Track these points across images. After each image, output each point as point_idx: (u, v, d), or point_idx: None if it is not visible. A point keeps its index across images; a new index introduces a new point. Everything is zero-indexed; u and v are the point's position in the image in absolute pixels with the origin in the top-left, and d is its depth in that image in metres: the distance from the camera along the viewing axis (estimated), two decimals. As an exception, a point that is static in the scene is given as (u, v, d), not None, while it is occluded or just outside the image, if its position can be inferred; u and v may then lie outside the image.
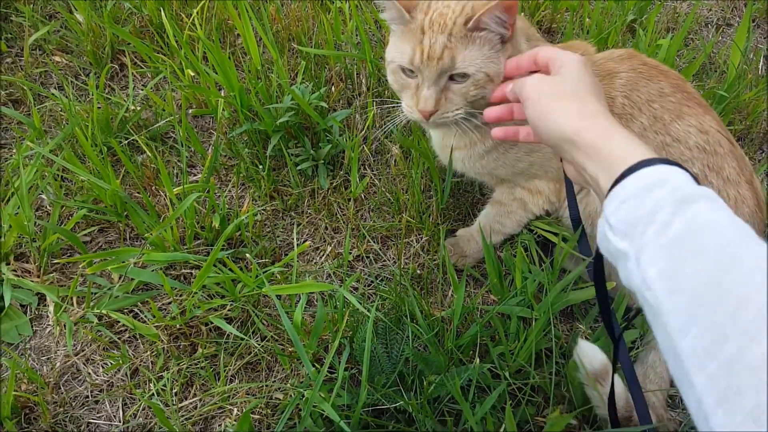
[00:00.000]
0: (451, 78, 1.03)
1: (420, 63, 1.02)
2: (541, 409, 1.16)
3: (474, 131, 1.14)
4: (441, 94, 1.04)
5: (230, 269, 1.25)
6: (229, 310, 1.29)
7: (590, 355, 1.05)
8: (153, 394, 1.20)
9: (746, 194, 1.15)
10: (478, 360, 1.08)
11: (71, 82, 1.78)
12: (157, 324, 1.26)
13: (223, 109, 1.59)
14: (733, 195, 1.14)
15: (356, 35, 1.77)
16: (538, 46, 1.12)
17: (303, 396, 1.07)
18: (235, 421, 1.15)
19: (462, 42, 1.01)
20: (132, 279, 1.30)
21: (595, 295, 1.20)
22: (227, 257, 1.25)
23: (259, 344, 1.24)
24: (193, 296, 1.23)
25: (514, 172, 1.26)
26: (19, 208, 1.35)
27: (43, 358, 1.27)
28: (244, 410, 1.12)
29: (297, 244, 1.40)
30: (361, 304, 1.17)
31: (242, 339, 1.24)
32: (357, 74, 1.75)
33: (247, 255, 1.31)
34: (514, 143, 1.20)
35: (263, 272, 1.26)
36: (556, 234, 1.28)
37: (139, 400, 1.19)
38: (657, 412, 1.11)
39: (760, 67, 1.92)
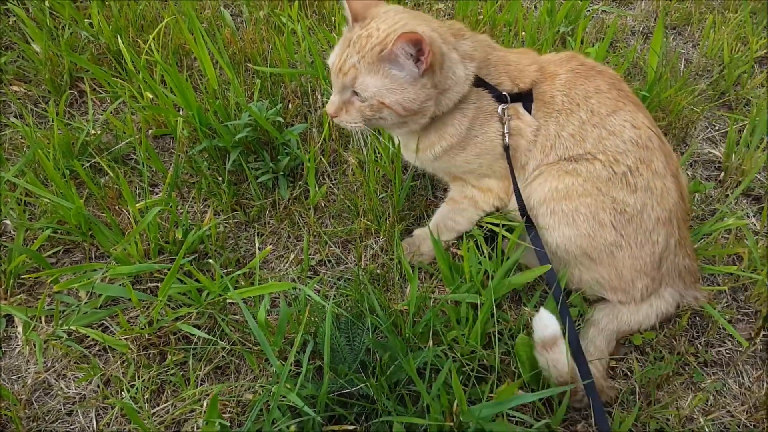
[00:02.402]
0: (355, 93, 1.20)
1: (332, 71, 1.21)
2: (495, 387, 1.24)
3: (433, 133, 1.30)
4: (344, 104, 1.23)
5: (196, 279, 1.31)
6: (195, 318, 1.34)
7: (544, 323, 1.15)
8: (126, 401, 1.24)
9: (671, 186, 1.28)
10: (431, 343, 1.17)
11: (31, 110, 1.82)
12: (126, 336, 1.30)
13: (183, 129, 1.66)
14: (660, 186, 1.26)
15: (309, 55, 1.87)
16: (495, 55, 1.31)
17: (271, 393, 1.13)
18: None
19: (368, 68, 1.17)
20: (99, 295, 1.35)
21: (533, 279, 1.32)
22: (192, 267, 1.31)
23: (227, 347, 1.30)
24: (159, 303, 1.29)
25: (465, 171, 1.39)
26: (-17, 232, 1.38)
27: (13, 377, 1.30)
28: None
29: (259, 251, 1.47)
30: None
31: (210, 342, 1.30)
32: (312, 91, 1.85)
33: (210, 261, 1.37)
34: (463, 148, 1.33)
35: (227, 278, 1.32)
36: (497, 225, 1.39)
37: (112, 409, 1.23)
38: (597, 382, 1.22)
39: (681, 68, 2.11)
